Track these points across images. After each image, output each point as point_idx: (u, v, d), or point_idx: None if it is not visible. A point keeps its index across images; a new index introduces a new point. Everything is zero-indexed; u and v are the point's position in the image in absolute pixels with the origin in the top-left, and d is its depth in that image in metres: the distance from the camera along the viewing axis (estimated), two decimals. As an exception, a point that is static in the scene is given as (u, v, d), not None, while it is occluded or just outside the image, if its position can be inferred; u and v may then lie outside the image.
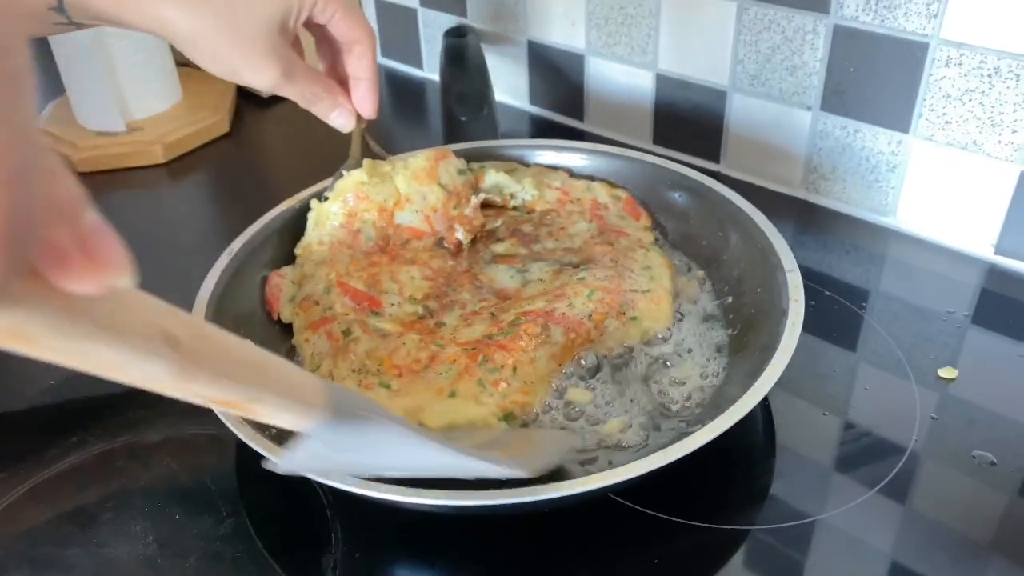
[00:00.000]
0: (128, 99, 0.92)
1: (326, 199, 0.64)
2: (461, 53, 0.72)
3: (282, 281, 0.62)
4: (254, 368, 0.28)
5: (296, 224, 0.65)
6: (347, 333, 0.56)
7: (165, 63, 0.94)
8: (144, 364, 0.22)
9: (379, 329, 0.57)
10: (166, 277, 0.76)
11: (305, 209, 0.65)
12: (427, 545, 0.49)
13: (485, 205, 0.69)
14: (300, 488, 0.51)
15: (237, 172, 0.91)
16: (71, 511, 0.51)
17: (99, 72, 0.87)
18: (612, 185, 0.70)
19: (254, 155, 0.94)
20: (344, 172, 0.65)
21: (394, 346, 0.55)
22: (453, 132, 0.80)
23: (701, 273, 0.64)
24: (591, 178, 0.71)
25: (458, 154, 0.70)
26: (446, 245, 0.65)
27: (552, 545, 0.49)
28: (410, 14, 1.02)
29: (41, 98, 0.99)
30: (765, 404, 0.55)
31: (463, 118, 0.78)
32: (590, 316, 0.56)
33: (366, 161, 0.65)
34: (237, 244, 0.61)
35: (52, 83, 0.95)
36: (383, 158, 0.66)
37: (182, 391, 0.24)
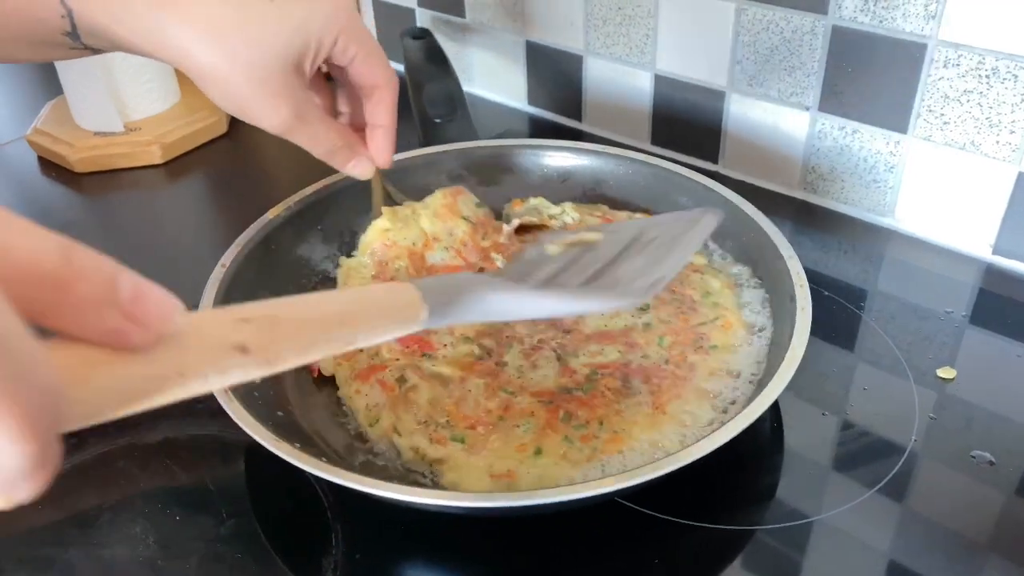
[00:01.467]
0: (126, 99, 0.92)
1: (352, 255, 0.64)
2: (425, 55, 0.71)
3: None
4: (339, 318, 0.28)
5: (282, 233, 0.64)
6: (402, 380, 0.53)
7: (163, 65, 0.94)
8: (226, 379, 0.23)
9: (436, 374, 0.54)
10: (164, 278, 0.76)
11: (294, 216, 0.64)
12: (428, 547, 0.49)
13: (521, 230, 0.67)
14: (301, 489, 0.51)
15: (235, 173, 0.91)
16: (71, 512, 0.51)
17: (97, 72, 0.87)
18: (649, 214, 0.69)
19: (252, 156, 0.94)
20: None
21: (459, 394, 0.53)
22: (429, 136, 0.79)
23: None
24: (626, 208, 0.70)
25: (476, 156, 0.71)
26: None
27: (552, 546, 0.49)
28: (407, 14, 1.02)
29: (39, 98, 0.99)
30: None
31: (437, 120, 0.78)
32: (667, 361, 0.55)
33: (385, 209, 0.64)
34: (228, 257, 0.58)
35: (50, 83, 0.95)
36: (401, 203, 0.66)
37: (275, 371, 0.25)
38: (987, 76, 0.63)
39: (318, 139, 0.55)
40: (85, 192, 0.86)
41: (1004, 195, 0.66)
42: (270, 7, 0.50)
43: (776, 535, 0.48)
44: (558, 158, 0.73)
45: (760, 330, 0.57)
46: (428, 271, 0.63)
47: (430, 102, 0.76)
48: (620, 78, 0.86)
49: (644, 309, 0.59)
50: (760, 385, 0.51)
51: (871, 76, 0.69)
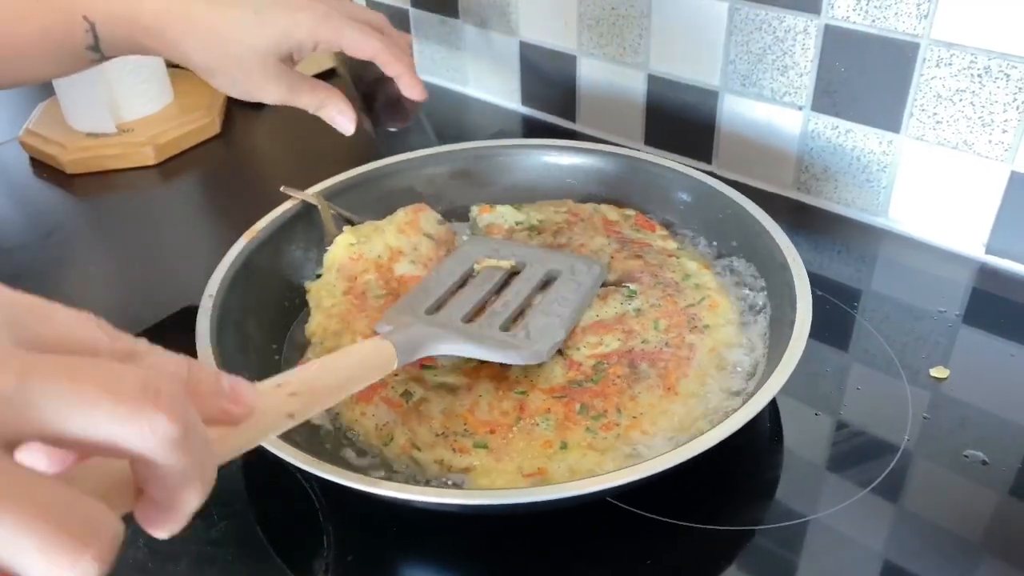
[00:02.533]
0: (119, 100, 0.91)
1: (318, 276, 0.63)
2: (366, 65, 0.69)
3: None
4: (348, 378, 0.40)
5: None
6: (408, 395, 0.53)
7: (156, 64, 0.93)
8: (276, 434, 0.34)
9: (442, 384, 0.54)
10: (157, 279, 0.76)
11: (271, 235, 0.63)
12: (420, 548, 0.49)
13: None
14: (292, 491, 0.51)
15: (228, 173, 0.90)
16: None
17: (90, 73, 0.87)
18: (620, 206, 0.70)
19: (245, 156, 0.94)
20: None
21: (470, 400, 0.52)
22: (385, 147, 0.75)
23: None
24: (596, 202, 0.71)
25: (470, 156, 0.73)
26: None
27: (545, 546, 0.48)
28: (402, 15, 1.02)
29: (31, 99, 0.99)
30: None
31: (392, 130, 0.76)
32: (667, 344, 0.55)
33: (346, 228, 0.65)
34: (213, 287, 0.57)
35: (42, 84, 0.95)
36: (355, 223, 0.66)
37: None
38: (979, 75, 0.63)
39: (310, 103, 0.64)
40: (78, 193, 0.86)
41: (997, 194, 0.67)
42: (255, 19, 0.59)
43: (770, 535, 0.48)
44: (555, 157, 0.73)
45: (752, 308, 0.59)
46: (398, 282, 0.62)
47: (382, 112, 0.75)
48: (613, 78, 0.86)
49: (631, 295, 0.59)
50: (761, 378, 0.51)
51: (864, 76, 0.69)
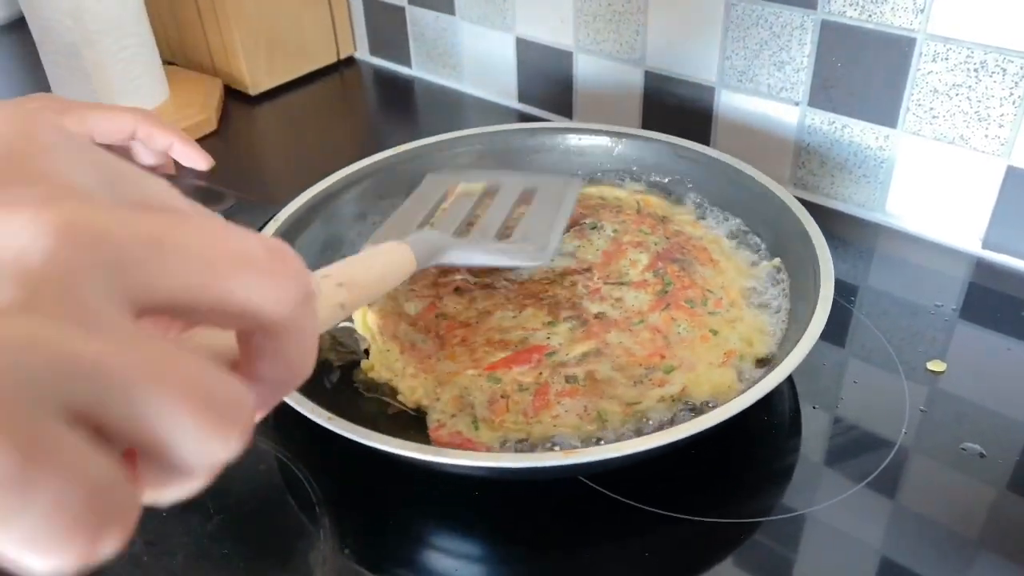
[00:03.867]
0: (115, 97, 0.91)
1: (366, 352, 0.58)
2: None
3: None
4: (382, 275, 0.42)
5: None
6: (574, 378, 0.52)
7: (152, 61, 0.93)
8: (329, 323, 0.34)
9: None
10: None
11: None
12: (416, 540, 0.49)
13: None
14: (288, 484, 0.51)
15: (225, 170, 0.90)
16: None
17: (86, 70, 0.87)
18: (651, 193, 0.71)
19: (242, 153, 0.94)
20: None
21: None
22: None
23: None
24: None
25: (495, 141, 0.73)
26: (463, 288, 0.60)
27: (540, 540, 0.48)
28: (398, 11, 1.02)
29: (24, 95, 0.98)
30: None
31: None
32: (667, 239, 0.61)
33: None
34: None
35: (38, 81, 0.94)
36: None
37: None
38: (975, 70, 0.63)
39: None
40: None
41: (993, 189, 0.67)
42: None
43: (766, 528, 0.48)
44: (575, 140, 0.74)
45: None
46: (423, 320, 0.58)
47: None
48: (610, 74, 0.85)
49: (595, 226, 0.62)
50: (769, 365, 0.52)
51: (860, 70, 0.69)
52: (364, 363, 0.56)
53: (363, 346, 0.58)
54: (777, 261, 0.60)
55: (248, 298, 0.21)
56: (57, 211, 0.19)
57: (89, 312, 0.18)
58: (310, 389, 0.47)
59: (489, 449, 0.49)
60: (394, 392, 0.54)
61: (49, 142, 0.21)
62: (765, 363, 0.53)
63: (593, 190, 0.70)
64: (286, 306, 0.22)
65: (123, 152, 0.61)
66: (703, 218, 0.67)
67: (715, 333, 0.55)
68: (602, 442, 0.48)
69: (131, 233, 0.19)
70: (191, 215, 0.23)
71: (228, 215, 0.63)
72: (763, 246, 0.63)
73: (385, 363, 0.55)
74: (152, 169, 0.59)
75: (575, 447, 0.48)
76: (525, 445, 0.49)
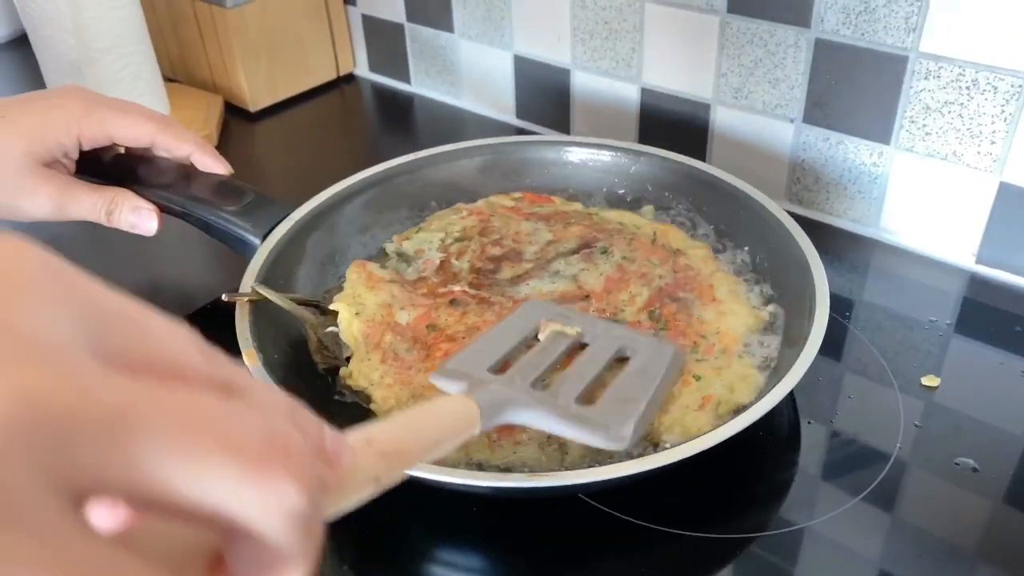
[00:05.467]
0: (116, 114, 0.92)
1: (347, 360, 0.58)
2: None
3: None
4: (436, 439, 0.34)
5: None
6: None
7: (153, 78, 0.94)
8: (360, 499, 0.27)
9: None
10: (157, 293, 0.76)
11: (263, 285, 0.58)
12: (414, 555, 0.49)
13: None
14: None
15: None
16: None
17: (87, 85, 0.87)
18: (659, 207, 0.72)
19: (242, 170, 0.94)
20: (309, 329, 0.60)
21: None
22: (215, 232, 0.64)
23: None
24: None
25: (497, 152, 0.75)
26: (460, 300, 0.61)
27: (537, 557, 0.49)
28: (397, 29, 1.02)
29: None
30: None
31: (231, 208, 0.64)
32: (675, 272, 0.62)
33: (337, 300, 0.60)
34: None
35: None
36: (321, 301, 0.62)
37: None
38: (967, 88, 0.64)
39: (92, 209, 0.60)
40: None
41: (986, 205, 0.67)
42: (2, 122, 0.55)
43: (763, 543, 0.48)
44: (577, 154, 0.75)
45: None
46: (412, 331, 0.58)
47: (211, 193, 0.64)
48: (607, 91, 0.86)
49: (604, 250, 0.64)
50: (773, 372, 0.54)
51: (854, 88, 0.70)
52: (343, 370, 0.57)
53: (346, 353, 0.59)
54: (773, 307, 0.61)
55: (223, 501, 0.18)
56: (6, 380, 0.16)
57: (14, 507, 0.15)
58: (297, 393, 0.47)
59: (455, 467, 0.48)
60: (369, 400, 0.55)
61: (27, 281, 0.19)
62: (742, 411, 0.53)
63: (613, 214, 0.71)
64: (272, 516, 0.18)
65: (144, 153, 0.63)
66: (722, 251, 0.67)
67: (698, 379, 0.54)
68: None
69: (88, 408, 0.17)
70: (186, 380, 0.20)
71: (246, 210, 0.63)
72: (769, 290, 0.63)
73: (363, 372, 0.56)
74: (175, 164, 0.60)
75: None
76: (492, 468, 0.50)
